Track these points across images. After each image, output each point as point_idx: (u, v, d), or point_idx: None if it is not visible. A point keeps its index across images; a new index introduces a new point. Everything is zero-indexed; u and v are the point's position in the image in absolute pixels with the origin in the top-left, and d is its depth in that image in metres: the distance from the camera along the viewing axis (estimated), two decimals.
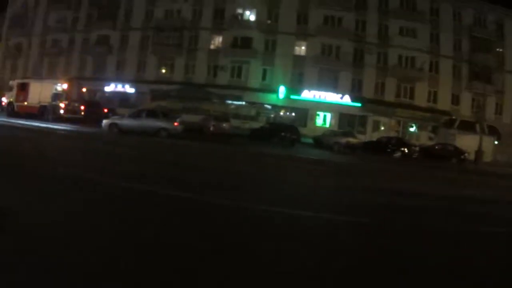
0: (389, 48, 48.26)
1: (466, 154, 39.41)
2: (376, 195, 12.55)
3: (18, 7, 67.77)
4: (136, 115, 28.08)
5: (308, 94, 46.33)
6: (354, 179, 17.13)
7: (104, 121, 27.70)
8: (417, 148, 38.90)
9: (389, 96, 48.07)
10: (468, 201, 13.73)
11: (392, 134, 44.15)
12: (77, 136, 24.74)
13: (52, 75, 54.41)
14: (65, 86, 37.34)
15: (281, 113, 47.20)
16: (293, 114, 47.41)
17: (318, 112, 47.61)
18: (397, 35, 48.26)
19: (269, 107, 46.90)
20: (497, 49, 52.75)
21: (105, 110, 40.32)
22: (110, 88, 54.34)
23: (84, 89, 42.20)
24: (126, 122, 27.18)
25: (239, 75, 49.13)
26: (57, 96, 36.44)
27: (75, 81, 44.93)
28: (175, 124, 27.87)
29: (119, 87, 54.01)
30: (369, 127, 47.18)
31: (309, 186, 13.32)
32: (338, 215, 8.56)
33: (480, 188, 20.38)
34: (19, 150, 14.66)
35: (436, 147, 40.20)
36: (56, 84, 38.07)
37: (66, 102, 34.74)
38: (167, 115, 29.89)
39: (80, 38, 59.75)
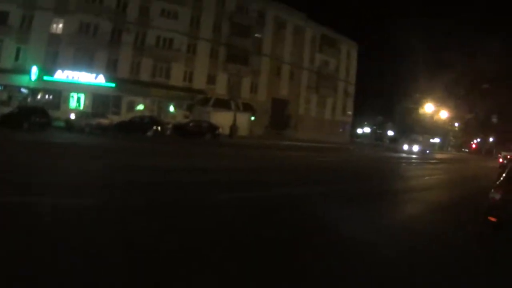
0: (148, 28, 49.62)
1: (220, 130, 43.04)
2: (113, 173, 13.39)
3: None
4: None
5: (62, 75, 44.91)
6: (93, 159, 17.46)
7: None
8: (170, 126, 41.34)
9: (145, 76, 49.60)
10: (193, 171, 15.63)
11: (148, 113, 45.90)
12: None
13: None
14: None
15: (38, 96, 45.14)
16: (47, 96, 45.90)
17: (72, 94, 46.56)
18: (158, 16, 49.81)
19: (24, 90, 44.34)
20: (256, 35, 58.44)
21: None
22: None
23: None
24: None
25: None
26: None
27: None
28: None
29: None
30: (124, 107, 48.19)
31: (45, 171, 12.74)
32: (62, 198, 8.53)
33: (222, 159, 23.01)
34: None
35: (190, 124, 42.94)
36: None
37: None
38: None
39: None
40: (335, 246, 7.03)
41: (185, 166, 17.59)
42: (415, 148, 53.48)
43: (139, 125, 38.56)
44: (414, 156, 45.91)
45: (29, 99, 43.97)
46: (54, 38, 46.24)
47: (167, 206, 9.06)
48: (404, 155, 46.59)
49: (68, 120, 37.24)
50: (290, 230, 8.01)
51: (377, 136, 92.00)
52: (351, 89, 76.47)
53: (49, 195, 8.68)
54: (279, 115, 61.02)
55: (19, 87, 44.53)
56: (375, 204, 12.20)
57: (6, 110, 37.26)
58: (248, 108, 54.69)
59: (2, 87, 44.40)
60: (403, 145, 56.92)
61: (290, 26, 63.50)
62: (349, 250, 6.90)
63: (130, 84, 47.88)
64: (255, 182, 14.23)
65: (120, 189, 10.54)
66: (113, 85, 46.70)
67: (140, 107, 49.48)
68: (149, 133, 37.62)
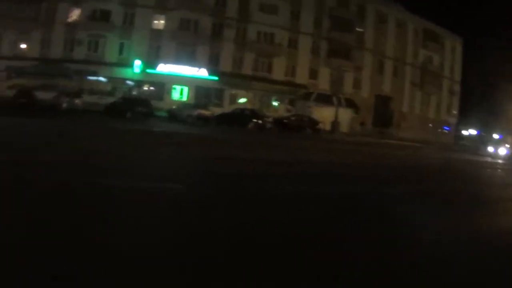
0: (249, 23, 49.75)
1: (320, 124, 41.76)
2: (206, 162, 13.07)
3: None
4: None
5: (165, 68, 46.53)
6: (188, 149, 17.54)
7: None
8: (270, 119, 40.51)
9: (247, 70, 49.61)
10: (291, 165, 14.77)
11: (250, 106, 45.47)
12: None
13: None
14: None
15: (142, 88, 47.35)
16: (151, 88, 47.76)
17: (174, 86, 47.96)
18: (257, 11, 49.74)
19: (130, 82, 46.91)
20: (358, 29, 56.66)
21: None
22: None
23: None
24: None
25: (96, 50, 48.25)
26: None
27: None
28: None
29: None
30: (226, 100, 48.56)
31: (142, 158, 12.91)
32: (154, 183, 8.62)
33: (315, 153, 22.00)
34: None
35: (292, 118, 41.97)
36: None
37: None
38: None
39: None
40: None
41: (280, 158, 16.90)
42: (502, 151, 47.08)
43: (240, 117, 38.06)
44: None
45: (133, 91, 46.26)
46: (156, 34, 48.09)
47: (255, 197, 8.68)
48: (498, 160, 41.11)
49: (170, 111, 38.01)
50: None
51: (483, 139, 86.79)
52: (456, 87, 72.21)
53: (149, 180, 8.91)
54: (382, 112, 58.60)
55: (123, 79, 46.79)
56: (476, 211, 10.13)
57: (110, 100, 39.06)
58: (350, 104, 52.63)
59: (107, 79, 46.27)
60: (487, 147, 50.92)
61: (391, 20, 60.89)
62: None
63: (232, 78, 48.27)
64: (345, 178, 13.17)
65: (211, 178, 10.28)
66: (216, 78, 47.51)
67: (243, 100, 49.41)
68: (249, 126, 36.94)
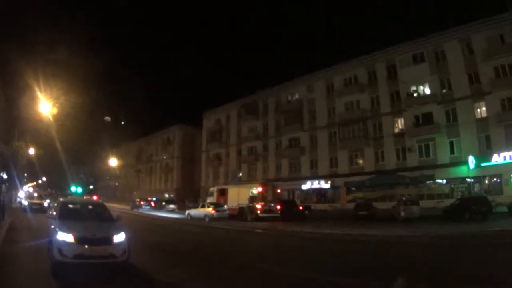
0: None
1: None
2: None
3: (212, 124, 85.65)
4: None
5: (499, 158, 45.80)
6: None
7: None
8: None
9: None
10: None
11: None
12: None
13: (249, 180, 68.06)
14: (259, 189, 48.71)
15: (479, 184, 48.15)
16: (487, 183, 47.73)
17: None
18: None
19: (470, 180, 48.47)
20: None
21: (300, 207, 48.91)
22: (306, 186, 65.09)
23: (278, 190, 52.75)
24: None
25: (427, 154, 52.80)
26: (253, 198, 47.86)
27: (270, 183, 56.03)
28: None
29: (315, 184, 64.32)
30: None
31: None
32: None
33: None
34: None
35: None
36: (252, 187, 49.70)
37: (262, 203, 44.29)
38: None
39: (272, 143, 73.24)
40: None
41: None
42: None
43: None
44: None
45: (471, 189, 48.90)
46: (481, 123, 48.89)
47: None
48: None
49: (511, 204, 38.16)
50: None
51: None
52: None
53: None
54: None
55: (460, 179, 49.92)
56: None
57: (448, 202, 43.15)
58: None
59: (446, 181, 50.91)
60: None
61: None
62: None
63: None
64: None
65: None
66: None
67: None
68: None
